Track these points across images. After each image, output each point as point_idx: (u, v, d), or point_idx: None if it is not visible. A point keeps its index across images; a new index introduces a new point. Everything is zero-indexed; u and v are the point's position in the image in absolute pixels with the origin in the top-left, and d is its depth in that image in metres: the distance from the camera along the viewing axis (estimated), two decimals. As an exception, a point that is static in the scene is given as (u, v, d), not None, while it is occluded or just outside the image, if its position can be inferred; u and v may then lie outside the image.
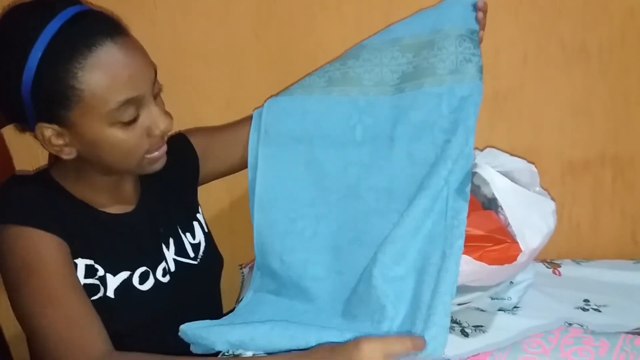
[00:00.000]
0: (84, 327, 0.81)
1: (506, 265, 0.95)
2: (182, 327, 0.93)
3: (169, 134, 0.91)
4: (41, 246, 0.83)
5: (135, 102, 0.83)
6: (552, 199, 1.02)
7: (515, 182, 1.01)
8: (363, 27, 1.18)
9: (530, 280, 1.06)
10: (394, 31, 1.03)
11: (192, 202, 1.09)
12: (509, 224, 0.98)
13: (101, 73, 0.80)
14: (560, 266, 1.17)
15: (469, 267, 0.92)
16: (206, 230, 1.08)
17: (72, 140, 0.84)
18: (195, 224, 1.06)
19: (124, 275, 0.91)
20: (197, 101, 1.25)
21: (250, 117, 1.11)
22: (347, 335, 0.84)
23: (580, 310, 1.02)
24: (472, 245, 0.93)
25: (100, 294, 0.88)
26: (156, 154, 0.89)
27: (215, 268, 1.07)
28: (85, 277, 0.87)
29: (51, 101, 0.81)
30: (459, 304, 1.00)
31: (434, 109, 0.96)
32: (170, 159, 0.94)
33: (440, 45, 0.96)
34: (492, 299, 1.03)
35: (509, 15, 1.17)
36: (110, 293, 0.89)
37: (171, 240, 1.00)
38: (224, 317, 1.01)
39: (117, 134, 0.84)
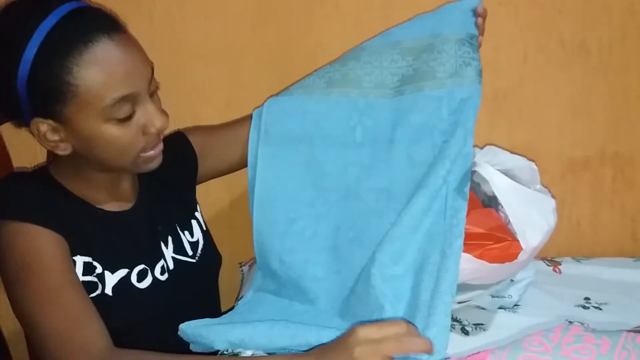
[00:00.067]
0: (83, 324, 0.81)
1: (507, 263, 0.95)
2: (182, 326, 0.93)
3: (167, 132, 0.91)
4: (40, 242, 0.83)
5: (131, 99, 0.83)
6: (553, 196, 1.01)
7: (516, 180, 1.01)
8: (362, 25, 1.18)
9: (531, 278, 1.06)
10: (394, 34, 1.04)
11: (190, 201, 1.08)
12: (509, 221, 0.98)
13: (97, 69, 0.80)
14: (560, 264, 1.17)
15: (469, 265, 0.92)
16: (204, 228, 1.07)
17: (67, 136, 0.84)
18: (194, 222, 1.06)
19: (122, 273, 0.91)
20: (195, 100, 1.25)
21: (249, 117, 1.11)
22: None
23: (581, 308, 1.02)
24: (473, 244, 0.93)
25: (98, 292, 0.88)
26: (151, 152, 0.89)
27: (213, 266, 1.07)
28: (84, 274, 0.87)
29: (46, 96, 0.81)
30: (460, 302, 1.00)
31: (434, 112, 0.96)
32: (169, 157, 0.94)
33: (440, 48, 0.97)
34: (492, 297, 1.03)
35: (508, 14, 1.17)
36: (109, 291, 0.89)
37: (169, 239, 1.00)
38: (223, 316, 1.00)
39: (112, 131, 0.83)
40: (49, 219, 0.84)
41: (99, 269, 0.89)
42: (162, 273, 0.96)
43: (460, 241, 0.88)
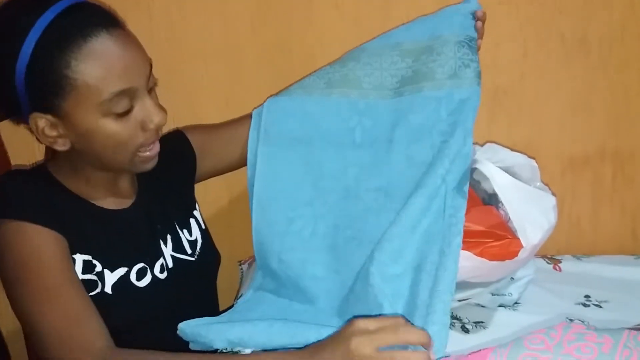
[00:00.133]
0: (82, 322, 0.81)
1: (507, 261, 0.95)
2: (181, 325, 0.92)
3: (166, 130, 0.90)
4: (39, 241, 0.83)
5: (129, 94, 0.83)
6: (553, 194, 1.01)
7: (516, 178, 1.01)
8: (362, 24, 1.18)
9: (531, 276, 1.05)
10: (394, 36, 1.04)
11: (189, 199, 1.08)
12: (509, 219, 0.97)
13: (95, 63, 0.80)
14: (560, 262, 1.17)
15: (469, 263, 0.92)
16: (203, 227, 1.07)
17: (65, 131, 0.84)
18: (193, 220, 1.06)
19: (121, 271, 0.91)
20: (194, 98, 1.25)
21: (248, 116, 1.11)
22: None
23: (582, 306, 1.02)
24: (473, 241, 0.93)
25: (97, 290, 0.88)
26: (148, 153, 0.89)
27: (212, 264, 1.07)
28: (83, 272, 0.87)
29: (45, 91, 0.80)
30: (460, 300, 1.00)
31: (433, 112, 0.97)
32: (168, 155, 0.94)
33: (440, 50, 0.97)
34: (492, 295, 1.03)
35: (509, 10, 1.17)
36: (108, 289, 0.89)
37: (169, 237, 0.99)
38: (223, 315, 1.00)
39: (111, 126, 0.83)
40: (48, 218, 0.84)
41: (98, 267, 0.88)
42: (161, 271, 0.95)
43: (459, 240, 0.88)
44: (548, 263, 1.17)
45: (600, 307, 1.02)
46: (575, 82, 1.20)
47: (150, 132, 0.87)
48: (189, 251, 1.01)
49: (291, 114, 1.07)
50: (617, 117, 1.22)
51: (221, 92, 1.24)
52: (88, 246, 0.88)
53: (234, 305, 1.04)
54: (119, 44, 0.82)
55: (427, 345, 0.71)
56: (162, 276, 0.95)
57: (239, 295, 1.09)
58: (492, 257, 0.94)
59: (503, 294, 1.03)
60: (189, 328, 0.92)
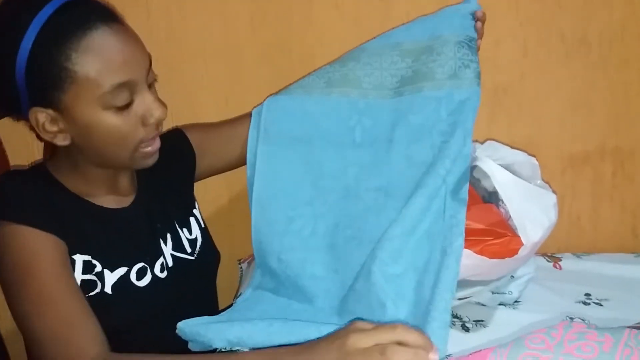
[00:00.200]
0: (79, 328, 0.80)
1: (507, 258, 0.94)
2: (180, 324, 0.92)
3: (165, 129, 0.90)
4: (37, 246, 0.82)
5: (129, 87, 0.83)
6: (553, 191, 1.01)
7: (516, 175, 1.00)
8: (361, 22, 1.18)
9: (532, 274, 1.05)
10: (394, 36, 1.04)
11: (189, 198, 1.08)
12: (509, 217, 0.97)
13: (95, 55, 0.80)
14: (560, 260, 1.17)
15: (469, 261, 0.92)
16: (203, 225, 1.07)
17: (66, 125, 0.84)
18: (192, 219, 1.05)
19: (121, 271, 0.90)
20: (194, 96, 1.24)
21: (248, 115, 1.11)
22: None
23: (582, 304, 1.02)
24: (473, 239, 0.93)
25: (97, 290, 0.88)
26: (149, 149, 0.88)
27: (212, 264, 1.07)
28: (83, 273, 0.87)
29: (45, 84, 0.80)
30: (460, 299, 1.00)
31: (433, 112, 0.97)
32: (167, 154, 0.93)
33: (440, 50, 0.97)
34: (492, 293, 1.03)
35: (509, 8, 1.17)
36: (108, 289, 0.88)
37: (168, 236, 0.99)
38: (222, 314, 1.00)
39: (111, 119, 0.83)
40: (47, 221, 0.84)
41: (98, 268, 0.88)
42: (161, 271, 0.95)
43: (460, 240, 0.88)
44: (548, 261, 1.17)
45: (601, 305, 1.02)
46: (575, 81, 1.20)
47: (151, 126, 0.87)
48: (189, 250, 1.01)
49: (291, 113, 1.06)
50: (617, 116, 1.22)
51: (221, 91, 1.24)
52: (88, 246, 0.88)
53: (233, 304, 1.04)
54: (118, 37, 0.82)
55: (426, 348, 0.71)
56: (162, 275, 0.95)
57: (239, 294, 1.09)
58: (492, 255, 0.93)
59: (503, 293, 1.03)
60: (187, 327, 0.92)
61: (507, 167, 1.01)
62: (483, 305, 1.02)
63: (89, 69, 0.80)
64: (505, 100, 1.22)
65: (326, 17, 1.19)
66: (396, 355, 0.66)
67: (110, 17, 0.83)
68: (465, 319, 0.98)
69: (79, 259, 0.87)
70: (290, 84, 1.11)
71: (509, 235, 0.95)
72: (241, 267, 1.20)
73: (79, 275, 0.86)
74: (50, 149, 0.94)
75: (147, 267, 0.93)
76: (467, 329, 0.96)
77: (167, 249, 0.98)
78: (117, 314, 0.88)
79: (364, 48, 1.05)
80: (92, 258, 0.88)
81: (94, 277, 0.88)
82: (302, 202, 1.03)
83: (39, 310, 0.80)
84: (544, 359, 0.75)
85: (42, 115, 0.83)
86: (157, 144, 0.90)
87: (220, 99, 1.24)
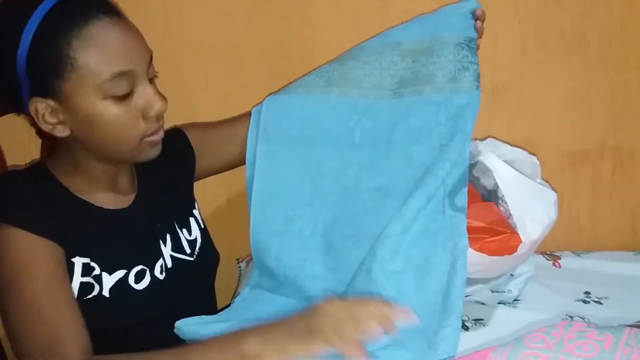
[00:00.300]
0: (64, 339, 0.79)
1: (506, 256, 0.95)
2: (178, 323, 0.92)
3: (165, 129, 0.90)
4: (32, 251, 0.82)
5: (129, 77, 0.83)
6: (553, 190, 1.01)
7: (516, 173, 1.00)
8: (359, 19, 1.17)
9: (531, 272, 1.05)
10: (394, 35, 1.04)
11: (188, 198, 1.07)
12: (509, 215, 0.97)
13: (96, 44, 0.81)
14: (560, 258, 1.17)
15: (469, 259, 0.92)
16: (202, 226, 1.06)
17: (65, 117, 0.84)
18: (192, 219, 1.05)
19: (119, 274, 0.90)
20: (192, 94, 1.24)
21: (248, 114, 1.11)
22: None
23: (581, 303, 1.02)
24: (472, 237, 0.93)
25: (94, 293, 0.87)
26: (153, 137, 0.88)
27: (211, 264, 1.06)
28: (82, 275, 0.86)
29: (46, 72, 0.81)
30: (459, 298, 1.00)
31: (432, 116, 0.97)
32: (167, 153, 0.93)
33: (440, 53, 0.97)
34: (492, 291, 1.03)
35: (508, 6, 1.17)
36: (106, 292, 0.88)
37: (168, 236, 0.99)
38: (220, 313, 1.00)
39: (110, 109, 0.83)
40: (46, 225, 0.83)
41: (96, 271, 0.88)
42: (160, 272, 0.95)
43: (464, 241, 0.89)
44: (547, 259, 1.17)
45: (600, 303, 1.02)
46: (574, 79, 1.20)
47: (151, 119, 0.86)
48: (188, 251, 1.01)
49: (291, 112, 1.06)
50: (616, 114, 1.22)
51: (219, 90, 1.24)
52: (87, 249, 0.87)
53: (231, 304, 1.04)
54: (120, 28, 0.83)
55: (400, 317, 0.72)
56: (161, 277, 0.95)
57: (237, 293, 1.08)
58: (491, 252, 0.93)
59: (503, 291, 1.03)
60: (185, 326, 0.92)
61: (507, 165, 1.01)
62: (482, 303, 1.01)
63: (89, 56, 0.80)
64: (504, 99, 1.22)
65: (325, 16, 1.19)
66: (366, 315, 0.71)
67: (113, 10, 0.84)
68: (465, 318, 0.98)
69: (78, 261, 0.86)
70: (289, 83, 1.11)
71: (508, 233, 0.94)
72: (240, 267, 1.20)
73: (77, 278, 0.86)
74: (49, 147, 0.93)
75: (146, 270, 0.93)
76: (466, 328, 0.96)
77: (167, 250, 0.98)
78: (115, 316, 0.87)
79: (364, 47, 1.05)
80: (91, 261, 0.87)
81: (91, 280, 0.87)
82: (301, 202, 1.03)
83: (25, 317, 0.80)
84: (544, 358, 0.75)
85: (41, 106, 0.83)
86: (161, 133, 0.89)
87: (218, 98, 1.24)
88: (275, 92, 1.10)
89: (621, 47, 1.18)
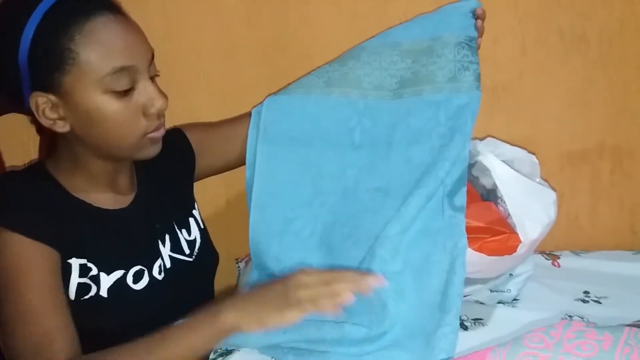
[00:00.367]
0: (52, 345, 0.80)
1: (506, 256, 0.95)
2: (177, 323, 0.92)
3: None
4: (27, 255, 0.82)
5: (130, 73, 0.83)
6: (552, 189, 1.01)
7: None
8: (358, 19, 1.17)
9: (530, 272, 1.05)
10: (393, 35, 1.04)
11: (188, 198, 1.07)
12: (508, 215, 0.97)
13: (98, 38, 0.81)
14: (559, 258, 1.17)
15: (468, 259, 0.92)
16: (202, 226, 1.07)
17: (66, 112, 0.84)
18: (191, 220, 1.05)
19: (117, 274, 0.90)
20: (191, 94, 1.24)
21: (248, 114, 1.11)
22: (346, 328, 0.84)
23: (581, 302, 1.02)
24: (472, 237, 0.93)
25: (92, 293, 0.87)
26: (155, 134, 0.88)
27: (210, 265, 1.06)
28: (80, 276, 0.87)
29: (47, 65, 0.81)
30: (459, 297, 1.00)
31: (432, 116, 0.97)
32: (167, 154, 0.93)
33: (440, 52, 0.97)
34: (491, 291, 1.02)
35: (508, 6, 1.16)
36: (104, 292, 0.88)
37: (167, 237, 0.99)
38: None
39: (111, 104, 0.83)
40: (43, 229, 0.83)
41: (94, 271, 0.88)
42: (159, 273, 0.95)
43: (464, 241, 0.89)
44: (547, 259, 1.17)
45: (600, 303, 1.02)
46: (574, 79, 1.20)
47: (152, 117, 0.87)
48: (187, 251, 1.01)
49: (291, 113, 1.06)
50: (615, 113, 1.22)
51: (218, 90, 1.24)
52: (84, 249, 0.87)
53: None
54: (122, 25, 0.84)
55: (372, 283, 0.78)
56: (160, 277, 0.95)
57: (236, 293, 1.08)
58: (490, 252, 0.93)
59: (502, 291, 1.03)
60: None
61: (506, 164, 1.01)
62: (482, 303, 1.01)
63: (91, 51, 0.81)
64: (504, 98, 1.22)
65: (323, 15, 1.19)
66: (339, 279, 0.76)
67: (115, 8, 0.85)
68: (464, 318, 0.98)
69: (75, 263, 0.86)
70: (288, 83, 1.11)
71: (507, 233, 0.94)
72: (239, 266, 1.20)
73: (75, 279, 0.86)
74: (49, 145, 0.93)
75: (144, 270, 0.93)
76: (465, 328, 0.95)
77: (166, 250, 0.98)
78: (113, 317, 0.88)
79: (364, 47, 1.05)
80: (88, 261, 0.87)
81: (88, 281, 0.87)
82: (301, 202, 1.03)
83: (16, 320, 0.80)
84: (543, 358, 0.74)
85: (42, 100, 0.83)
86: (162, 130, 0.90)
87: (217, 98, 1.24)
88: (275, 93, 1.10)
89: (621, 47, 1.17)
